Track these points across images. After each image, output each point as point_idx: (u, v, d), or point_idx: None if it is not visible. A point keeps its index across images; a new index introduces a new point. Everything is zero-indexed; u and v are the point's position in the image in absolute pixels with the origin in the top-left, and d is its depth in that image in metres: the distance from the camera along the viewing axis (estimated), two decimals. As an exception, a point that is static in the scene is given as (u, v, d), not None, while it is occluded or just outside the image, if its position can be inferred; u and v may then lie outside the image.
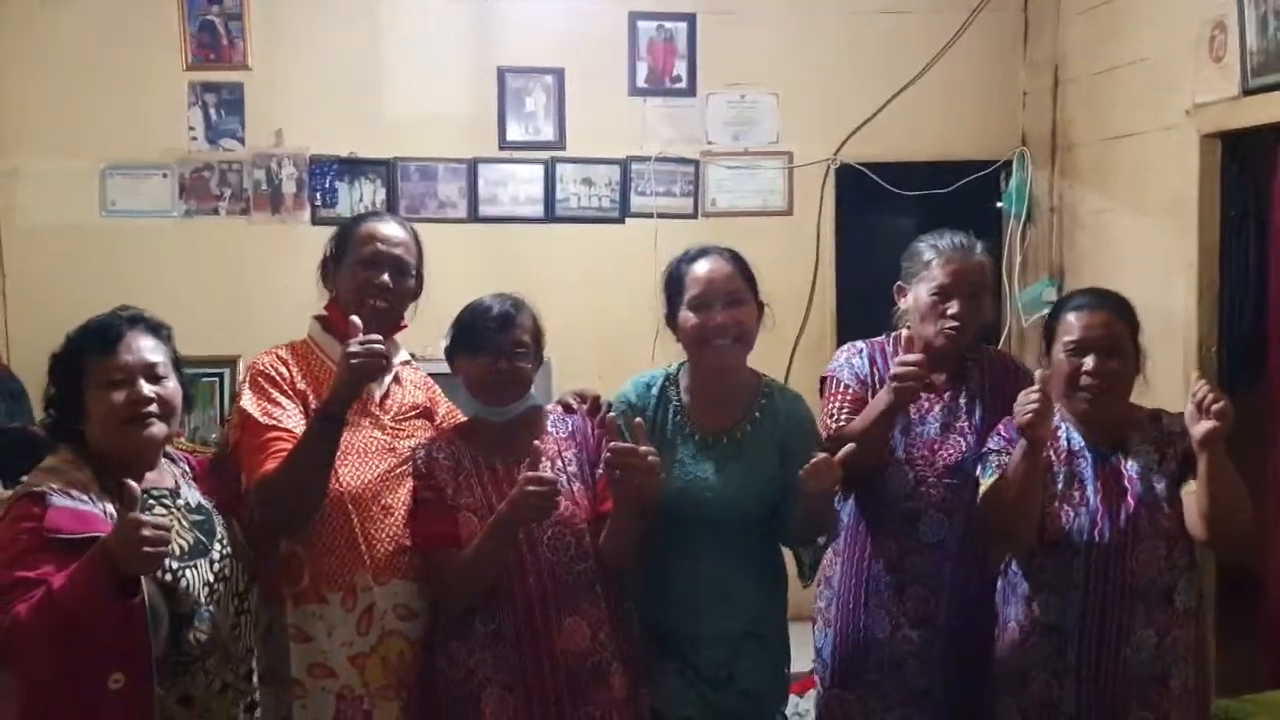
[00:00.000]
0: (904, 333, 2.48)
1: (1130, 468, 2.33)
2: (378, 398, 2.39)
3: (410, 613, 2.31)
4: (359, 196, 4.55)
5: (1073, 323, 2.35)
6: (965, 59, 4.68)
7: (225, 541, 2.09)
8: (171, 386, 2.04)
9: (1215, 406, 2.14)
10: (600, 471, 2.30)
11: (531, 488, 2.12)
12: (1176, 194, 3.59)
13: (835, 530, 2.57)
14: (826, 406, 2.59)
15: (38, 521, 1.85)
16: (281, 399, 2.28)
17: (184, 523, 2.03)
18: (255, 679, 2.22)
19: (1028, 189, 4.61)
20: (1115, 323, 2.34)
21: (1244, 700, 2.83)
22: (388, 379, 2.43)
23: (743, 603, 2.40)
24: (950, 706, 2.54)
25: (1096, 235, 4.24)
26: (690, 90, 4.68)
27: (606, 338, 4.37)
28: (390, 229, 2.42)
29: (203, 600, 1.99)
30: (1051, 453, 2.35)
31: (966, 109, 4.73)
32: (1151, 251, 3.77)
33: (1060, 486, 2.34)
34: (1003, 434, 2.39)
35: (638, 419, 2.29)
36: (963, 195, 4.57)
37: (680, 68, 4.67)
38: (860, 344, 2.67)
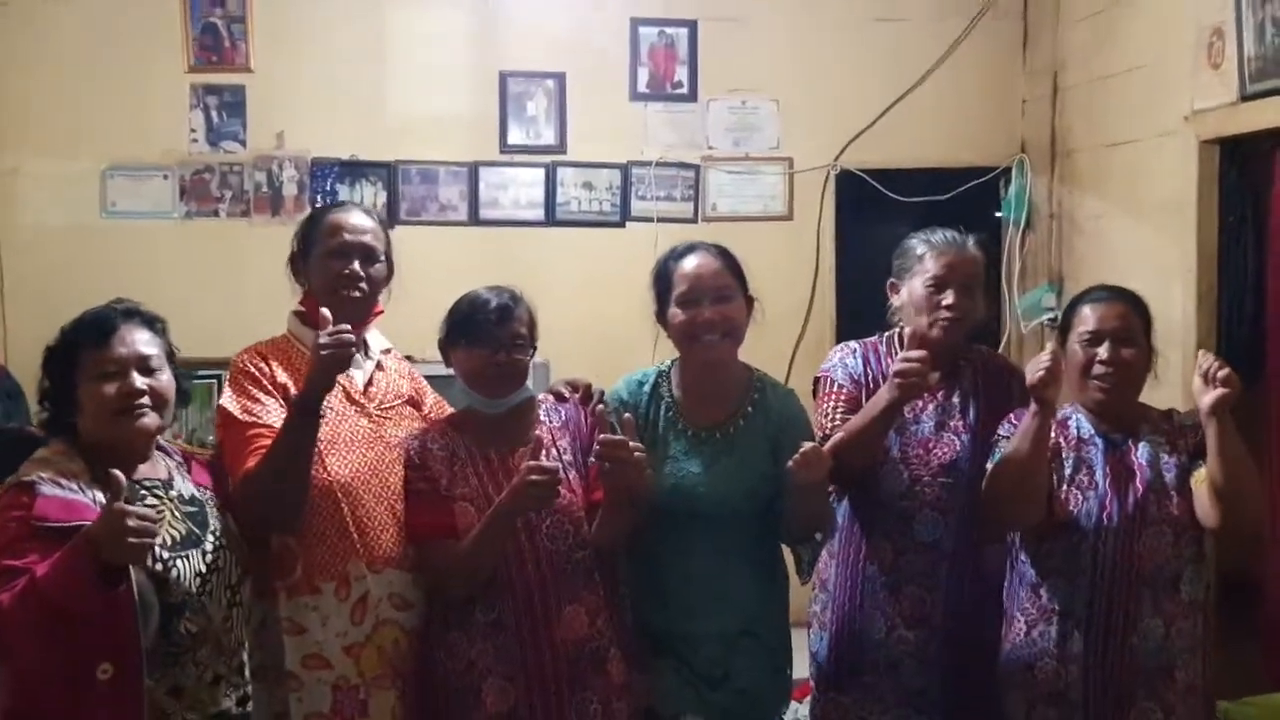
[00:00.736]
0: (905, 330, 2.49)
1: (1140, 454, 2.36)
2: (361, 386, 2.39)
3: (405, 602, 2.30)
4: (360, 199, 4.54)
5: (1088, 314, 2.39)
6: (965, 66, 4.69)
7: (219, 533, 2.08)
8: (165, 379, 2.04)
9: (1221, 374, 2.18)
10: (592, 460, 2.30)
11: (534, 477, 2.12)
12: (1175, 199, 3.59)
13: (831, 528, 2.57)
14: (821, 406, 2.58)
15: (26, 510, 1.85)
16: (261, 395, 2.28)
17: (176, 513, 2.03)
18: (247, 673, 2.21)
19: (1027, 195, 4.62)
20: (1130, 314, 2.38)
21: (1244, 703, 2.83)
22: (370, 366, 2.44)
23: (738, 601, 2.40)
24: (946, 706, 2.53)
25: (1095, 241, 4.25)
26: (691, 95, 4.70)
27: (606, 341, 4.36)
28: (355, 218, 2.42)
29: (194, 591, 1.98)
30: (1061, 439, 2.38)
31: (966, 116, 4.74)
32: (1150, 257, 3.77)
33: (1069, 471, 2.37)
34: (1012, 421, 2.41)
35: (627, 415, 2.29)
36: (962, 202, 4.57)
37: (681, 73, 4.68)
38: (853, 344, 2.68)
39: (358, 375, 2.40)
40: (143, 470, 2.02)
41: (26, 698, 1.89)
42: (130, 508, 1.78)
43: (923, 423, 2.55)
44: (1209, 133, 3.44)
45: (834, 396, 2.56)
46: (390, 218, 4.53)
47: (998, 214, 4.73)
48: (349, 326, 2.19)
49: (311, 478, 2.23)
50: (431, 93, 4.61)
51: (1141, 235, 3.88)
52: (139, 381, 1.98)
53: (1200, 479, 2.27)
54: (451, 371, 2.41)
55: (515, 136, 4.64)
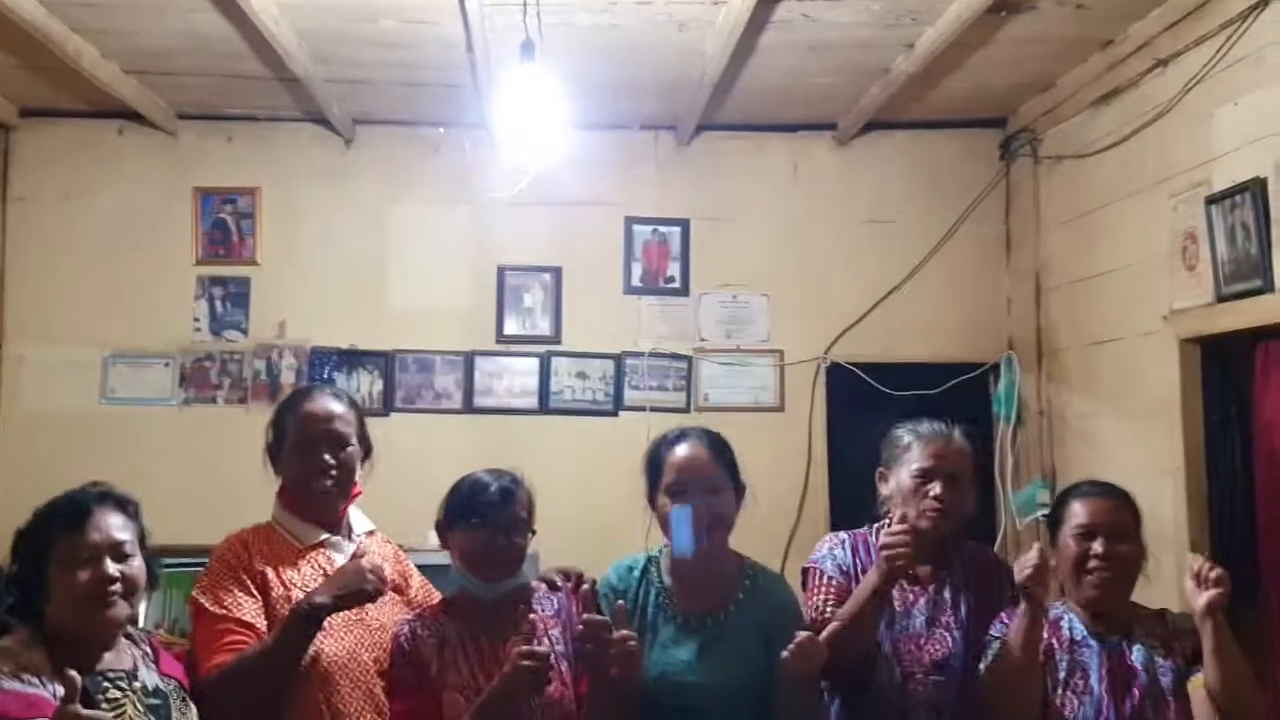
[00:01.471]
0: (894, 514, 2.48)
1: (1135, 658, 2.32)
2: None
3: None
4: (356, 386, 4.61)
5: (1080, 509, 2.41)
6: (951, 266, 4.83)
7: (181, 727, 2.02)
8: (137, 565, 2.02)
9: (1213, 574, 2.18)
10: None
11: (525, 662, 2.07)
12: (1160, 398, 3.63)
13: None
14: (811, 599, 2.56)
15: None
16: (234, 588, 2.26)
17: (139, 705, 1.97)
18: None
19: (1016, 392, 4.67)
20: (1122, 510, 2.41)
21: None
22: (350, 548, 2.42)
23: None
24: None
25: (1085, 438, 4.27)
26: (683, 290, 4.82)
27: (598, 529, 4.30)
28: (322, 405, 2.44)
29: (153, 787, 1.91)
30: (1055, 641, 2.34)
31: (953, 313, 4.85)
32: (1139, 455, 3.78)
33: (1063, 674, 2.32)
34: (1004, 620, 2.39)
35: (619, 601, 2.26)
36: (953, 396, 4.62)
37: (674, 269, 4.82)
38: (842, 534, 2.67)
39: (338, 557, 2.38)
40: (107, 659, 1.98)
41: None
42: (83, 711, 1.72)
43: (914, 617, 2.52)
44: (1188, 332, 3.51)
45: (824, 589, 2.54)
46: (385, 405, 4.61)
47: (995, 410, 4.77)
48: (382, 565, 2.21)
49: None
50: (431, 285, 4.74)
51: (1130, 433, 3.91)
52: (111, 569, 1.96)
53: (1197, 684, 2.22)
54: (445, 560, 2.39)
55: (511, 327, 4.74)
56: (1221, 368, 3.49)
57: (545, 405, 4.73)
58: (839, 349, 4.80)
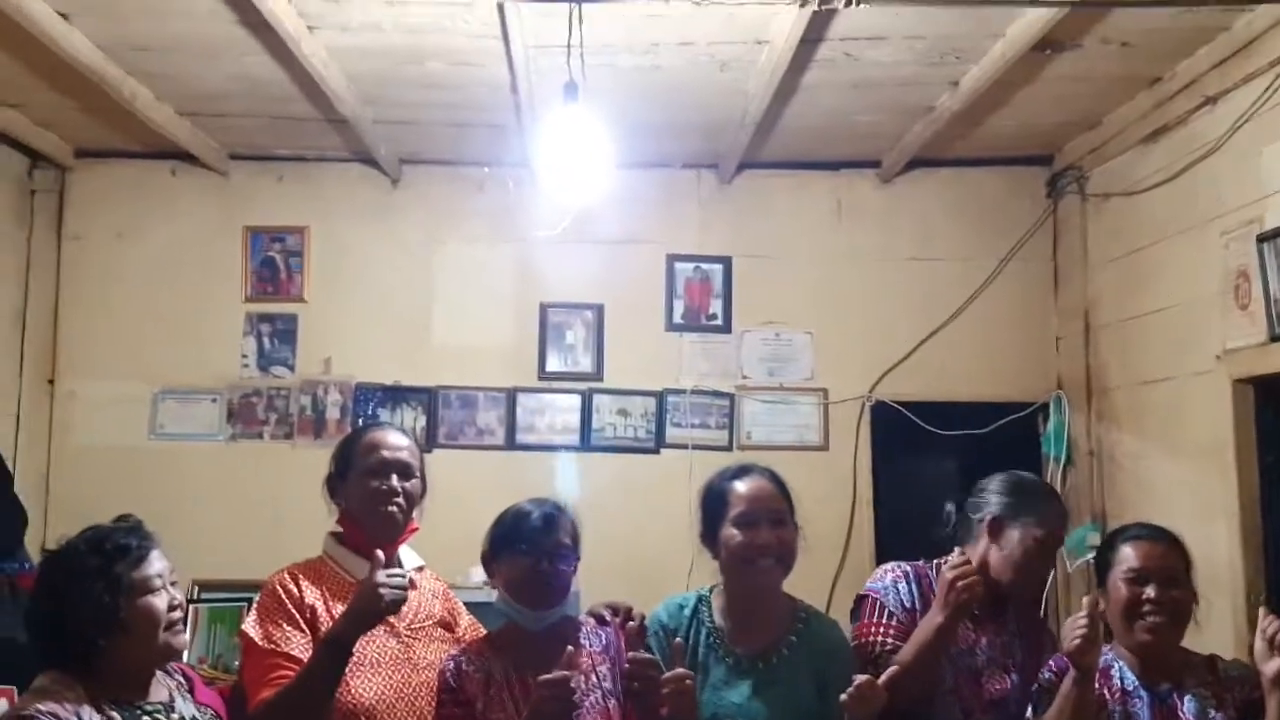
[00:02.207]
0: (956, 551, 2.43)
1: (1187, 709, 2.26)
2: None
3: None
4: (400, 422, 4.63)
5: (1130, 553, 2.35)
6: (998, 304, 4.79)
7: (218, 755, 2.03)
8: (181, 595, 2.06)
9: None
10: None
11: (547, 691, 2.07)
12: (1213, 438, 3.56)
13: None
14: (866, 632, 2.47)
15: None
16: (284, 622, 2.27)
17: (178, 735, 1.98)
18: None
19: (1066, 432, 4.59)
20: (1173, 554, 2.36)
21: None
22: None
23: None
24: None
25: (1136, 479, 4.19)
26: (725, 327, 4.81)
27: (640, 566, 4.29)
28: (392, 436, 2.48)
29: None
30: (1105, 691, 2.29)
31: (1001, 352, 4.79)
32: (1192, 496, 3.70)
33: None
34: (1052, 668, 2.34)
35: (678, 639, 2.23)
36: (1002, 436, 4.56)
37: (716, 306, 4.82)
38: (905, 566, 2.57)
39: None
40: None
41: None
42: None
43: (976, 655, 2.48)
44: (1241, 372, 3.44)
45: (883, 626, 2.46)
46: (428, 441, 4.63)
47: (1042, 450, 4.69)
48: (404, 571, 2.22)
49: (337, 701, 2.19)
50: (474, 323, 4.78)
51: (1182, 474, 3.83)
52: (178, 595, 2.01)
53: None
54: (487, 598, 2.38)
55: (554, 364, 4.76)
56: (1275, 408, 3.42)
57: (587, 442, 4.73)
58: (884, 387, 4.76)
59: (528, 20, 3.24)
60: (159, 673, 2.06)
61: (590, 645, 2.32)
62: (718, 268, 4.83)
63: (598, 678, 2.26)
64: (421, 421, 4.68)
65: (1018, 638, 2.53)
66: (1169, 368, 3.91)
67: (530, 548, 2.26)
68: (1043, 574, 2.51)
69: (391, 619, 2.33)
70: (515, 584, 2.28)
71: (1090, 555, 4.32)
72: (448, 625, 2.47)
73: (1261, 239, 3.27)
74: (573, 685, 2.11)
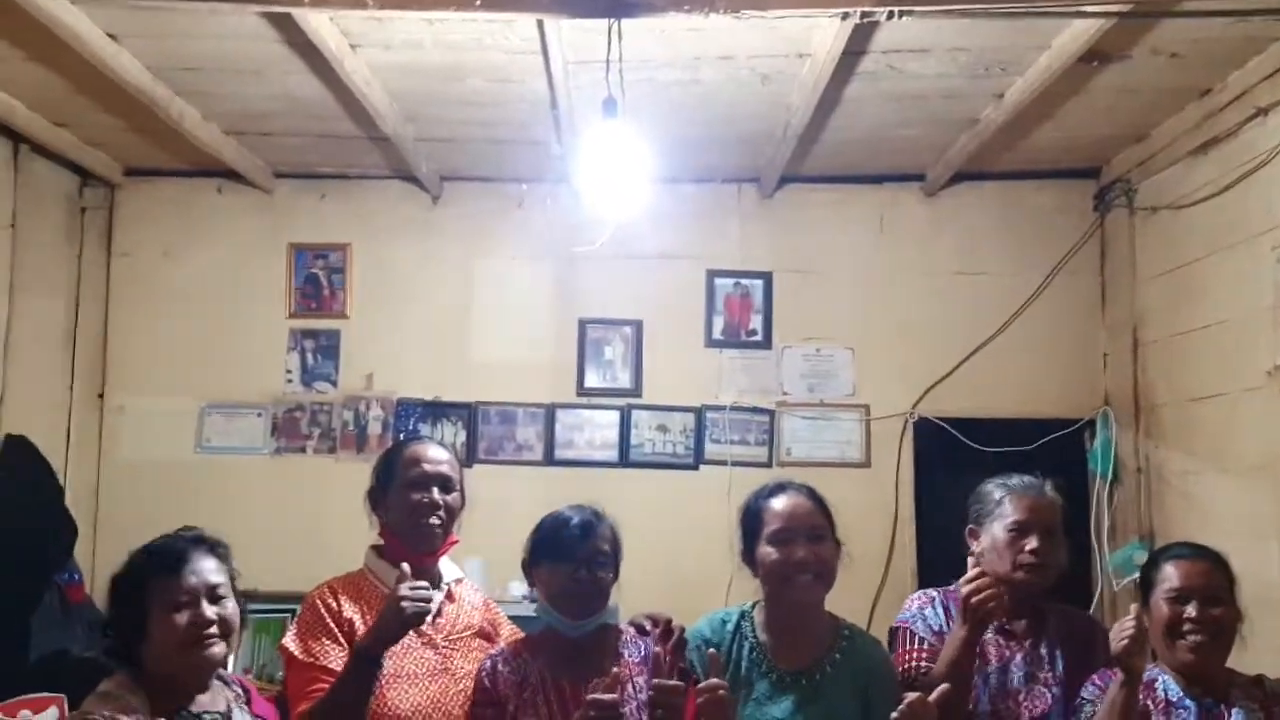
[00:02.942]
0: (984, 570, 2.41)
1: (1236, 718, 2.20)
2: (429, 617, 2.37)
3: None
4: (440, 437, 4.64)
5: (1172, 571, 2.35)
6: (1044, 319, 4.72)
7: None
8: (231, 607, 2.07)
9: None
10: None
11: (595, 712, 2.07)
12: (1264, 455, 3.48)
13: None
14: (902, 661, 2.48)
15: None
16: (323, 636, 2.30)
17: (234, 746, 2.00)
18: None
19: (1113, 449, 4.52)
20: (1215, 573, 2.35)
21: None
22: (439, 596, 2.43)
23: None
24: None
25: (1185, 497, 4.10)
26: (765, 343, 4.79)
27: (679, 583, 4.27)
28: (433, 450, 2.51)
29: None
30: (1149, 702, 2.26)
31: (1047, 367, 4.73)
32: (1242, 515, 3.62)
33: None
34: (1096, 683, 2.33)
35: (712, 650, 2.22)
36: (1047, 453, 4.47)
37: (756, 322, 4.79)
38: (932, 592, 2.60)
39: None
40: (202, 701, 2.03)
41: None
42: None
43: (1012, 673, 2.45)
44: (1295, 388, 3.37)
45: (916, 651, 2.47)
46: (468, 457, 4.65)
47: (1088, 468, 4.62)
48: (427, 584, 2.23)
49: (374, 712, 2.21)
50: (514, 338, 4.79)
51: (1233, 492, 3.74)
52: (209, 611, 2.01)
53: None
54: (526, 611, 2.39)
55: (592, 380, 4.76)
56: (1331, 426, 3.34)
57: (625, 458, 4.72)
58: (927, 404, 4.71)
59: (567, 36, 3.25)
60: (217, 682, 2.09)
61: (629, 655, 2.33)
62: (758, 283, 4.81)
63: (634, 689, 2.26)
64: (461, 437, 4.70)
65: (1057, 647, 2.49)
66: (1219, 384, 3.83)
67: (568, 555, 2.27)
68: (1044, 559, 2.44)
69: (429, 631, 2.35)
70: (554, 591, 2.30)
71: (1138, 574, 4.24)
72: (487, 636, 2.49)
73: (1315, 253, 3.20)
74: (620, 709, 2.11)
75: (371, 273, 4.83)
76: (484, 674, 2.29)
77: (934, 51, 3.43)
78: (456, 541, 2.53)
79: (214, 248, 4.85)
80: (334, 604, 2.35)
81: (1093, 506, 4.52)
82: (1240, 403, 3.67)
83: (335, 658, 2.26)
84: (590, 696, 2.09)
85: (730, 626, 2.42)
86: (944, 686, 2.20)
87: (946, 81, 3.66)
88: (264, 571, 4.45)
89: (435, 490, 2.43)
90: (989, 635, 2.47)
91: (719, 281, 4.81)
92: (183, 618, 1.99)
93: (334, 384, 4.79)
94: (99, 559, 4.53)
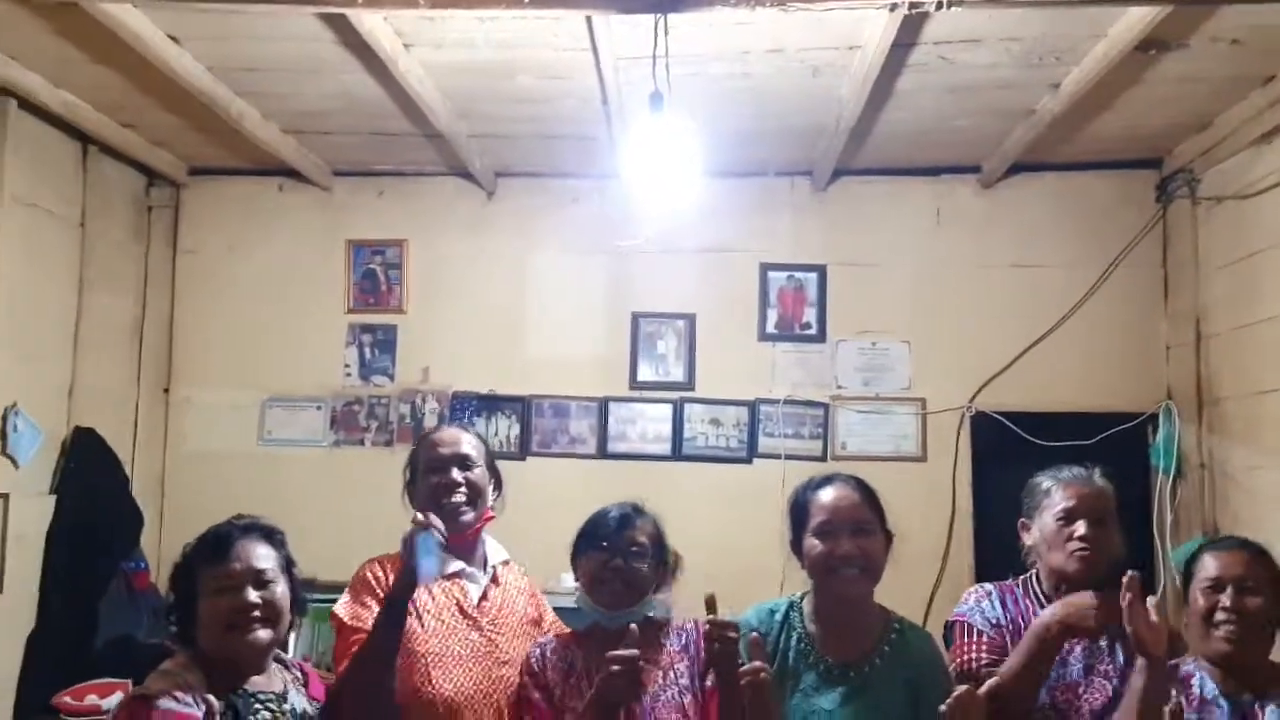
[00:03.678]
0: (1040, 565, 2.38)
1: (1270, 717, 2.16)
2: (475, 599, 2.43)
3: None
4: (494, 430, 4.72)
5: (1210, 561, 2.35)
6: (1104, 311, 4.64)
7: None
8: (280, 591, 2.11)
9: None
10: (709, 684, 2.25)
11: (615, 667, 2.11)
12: (1333, 451, 3.40)
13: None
14: (959, 655, 2.45)
15: None
16: (371, 601, 2.36)
17: (287, 728, 2.05)
18: None
19: (1176, 444, 4.43)
20: (1253, 563, 2.32)
21: None
22: (484, 579, 2.47)
23: None
24: None
25: (1250, 493, 4.01)
26: (820, 336, 4.77)
27: (732, 576, 4.21)
28: (447, 433, 2.58)
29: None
30: (1184, 700, 2.21)
31: (1107, 361, 4.65)
32: (1309, 511, 3.54)
33: None
34: None
35: (754, 633, 2.24)
36: (1108, 448, 4.41)
37: (810, 315, 4.77)
38: (988, 586, 2.57)
39: (472, 589, 2.45)
40: (258, 682, 2.08)
41: None
42: None
43: (1070, 665, 2.42)
44: (1363, 382, 3.28)
45: (975, 644, 2.43)
46: (522, 449, 4.70)
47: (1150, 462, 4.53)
48: (438, 519, 2.29)
49: (417, 692, 2.26)
50: (567, 332, 4.83)
51: (1299, 488, 3.66)
52: (252, 596, 2.06)
53: None
54: (578, 602, 2.42)
55: (645, 373, 4.77)
56: (1402, 421, 3.25)
57: (678, 452, 4.73)
58: (984, 397, 4.66)
59: (616, 31, 3.27)
60: (275, 665, 2.15)
61: (670, 644, 2.36)
62: (812, 276, 4.78)
63: (675, 674, 2.30)
64: (515, 430, 4.75)
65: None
66: (1284, 378, 3.74)
67: (604, 544, 2.33)
68: (1094, 546, 2.38)
69: (474, 613, 2.39)
70: (590, 580, 2.35)
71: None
72: (535, 621, 2.53)
73: (1384, 242, 3.11)
74: (640, 664, 2.15)
75: (428, 268, 4.90)
76: (533, 659, 2.34)
77: (986, 42, 3.38)
78: (493, 516, 2.59)
79: (275, 244, 4.95)
80: (381, 575, 2.42)
81: (1155, 502, 4.44)
82: (1306, 397, 3.58)
83: None
84: (611, 654, 2.14)
85: (779, 617, 2.42)
86: (993, 680, 2.18)
87: (1000, 72, 3.61)
88: (322, 561, 4.53)
89: (454, 470, 2.49)
90: None
91: (772, 275, 4.79)
92: (224, 602, 2.04)
93: (391, 378, 4.86)
94: (164, 548, 4.65)
